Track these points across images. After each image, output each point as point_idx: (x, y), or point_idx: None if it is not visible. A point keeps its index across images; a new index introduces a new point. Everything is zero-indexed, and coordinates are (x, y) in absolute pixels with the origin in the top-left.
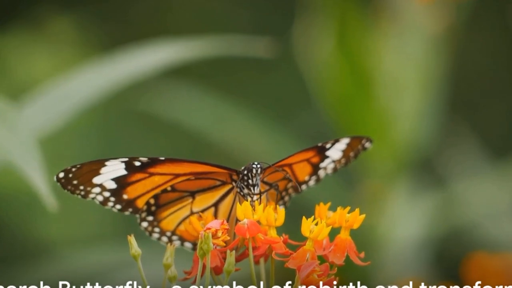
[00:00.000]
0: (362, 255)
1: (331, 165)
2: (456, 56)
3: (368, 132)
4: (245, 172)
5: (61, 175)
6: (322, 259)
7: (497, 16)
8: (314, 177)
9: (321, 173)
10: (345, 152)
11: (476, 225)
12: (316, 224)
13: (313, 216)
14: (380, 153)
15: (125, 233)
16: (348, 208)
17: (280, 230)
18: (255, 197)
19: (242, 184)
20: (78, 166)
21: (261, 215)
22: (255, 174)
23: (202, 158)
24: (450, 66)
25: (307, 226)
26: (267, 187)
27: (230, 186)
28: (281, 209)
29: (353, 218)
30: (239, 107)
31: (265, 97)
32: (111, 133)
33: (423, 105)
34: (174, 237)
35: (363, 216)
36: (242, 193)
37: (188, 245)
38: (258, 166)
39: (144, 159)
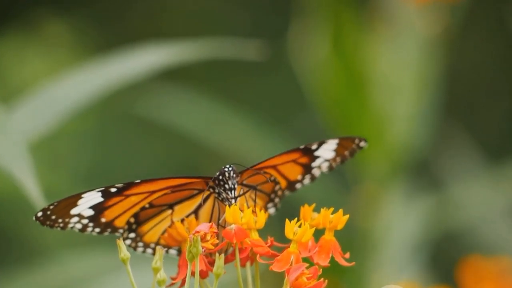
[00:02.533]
0: (347, 255)
1: (326, 164)
2: (452, 58)
3: (363, 134)
4: (220, 177)
5: (39, 214)
6: (308, 261)
7: (492, 17)
8: (308, 176)
9: (316, 171)
10: (338, 151)
11: (471, 227)
12: (300, 226)
13: (296, 218)
14: (376, 156)
15: (116, 236)
16: (332, 209)
17: (273, 232)
18: (233, 201)
19: (220, 189)
20: (55, 203)
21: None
22: (228, 177)
23: (196, 161)
24: (445, 68)
25: (290, 228)
26: (247, 190)
27: (207, 192)
28: (262, 212)
29: (336, 219)
30: (234, 110)
31: (261, 100)
32: (106, 137)
33: (418, 108)
34: (159, 247)
35: (347, 216)
36: (220, 198)
37: (172, 252)
38: (230, 169)
39: (119, 185)
